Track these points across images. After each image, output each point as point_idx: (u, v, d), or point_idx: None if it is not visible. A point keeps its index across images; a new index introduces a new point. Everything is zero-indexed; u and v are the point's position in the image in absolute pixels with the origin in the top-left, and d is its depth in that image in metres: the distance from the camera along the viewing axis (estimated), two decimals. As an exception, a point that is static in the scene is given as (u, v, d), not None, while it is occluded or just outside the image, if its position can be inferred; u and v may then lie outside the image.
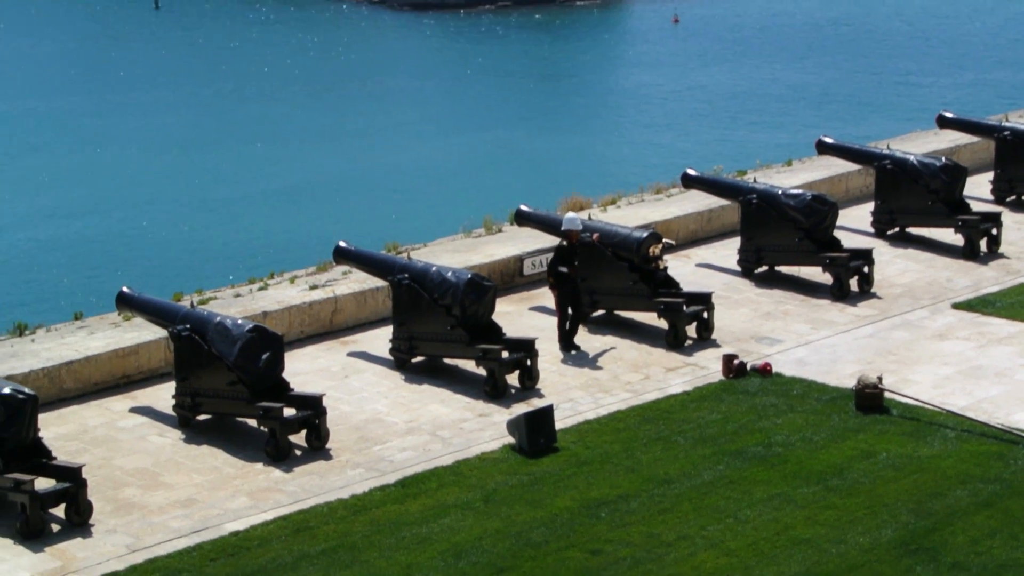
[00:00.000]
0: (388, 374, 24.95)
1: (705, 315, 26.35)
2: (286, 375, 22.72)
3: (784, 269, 29.77)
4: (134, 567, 18.58)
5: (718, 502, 20.03)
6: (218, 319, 22.74)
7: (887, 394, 23.15)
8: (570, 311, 25.82)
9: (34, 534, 19.22)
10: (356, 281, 27.50)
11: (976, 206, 32.57)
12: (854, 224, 32.73)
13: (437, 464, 21.41)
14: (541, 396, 23.87)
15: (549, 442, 21.83)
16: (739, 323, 27.20)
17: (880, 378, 23.24)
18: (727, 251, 30.97)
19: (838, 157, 34.29)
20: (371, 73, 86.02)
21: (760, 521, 19.45)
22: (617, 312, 27.40)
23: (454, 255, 29.05)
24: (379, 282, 26.85)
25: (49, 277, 46.34)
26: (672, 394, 24.00)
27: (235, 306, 26.11)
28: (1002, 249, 31.37)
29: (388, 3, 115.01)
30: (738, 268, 29.94)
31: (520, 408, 22.94)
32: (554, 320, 26.15)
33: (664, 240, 27.21)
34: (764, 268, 29.81)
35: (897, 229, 32.35)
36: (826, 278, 28.89)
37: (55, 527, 19.56)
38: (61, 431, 22.42)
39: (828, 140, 34.29)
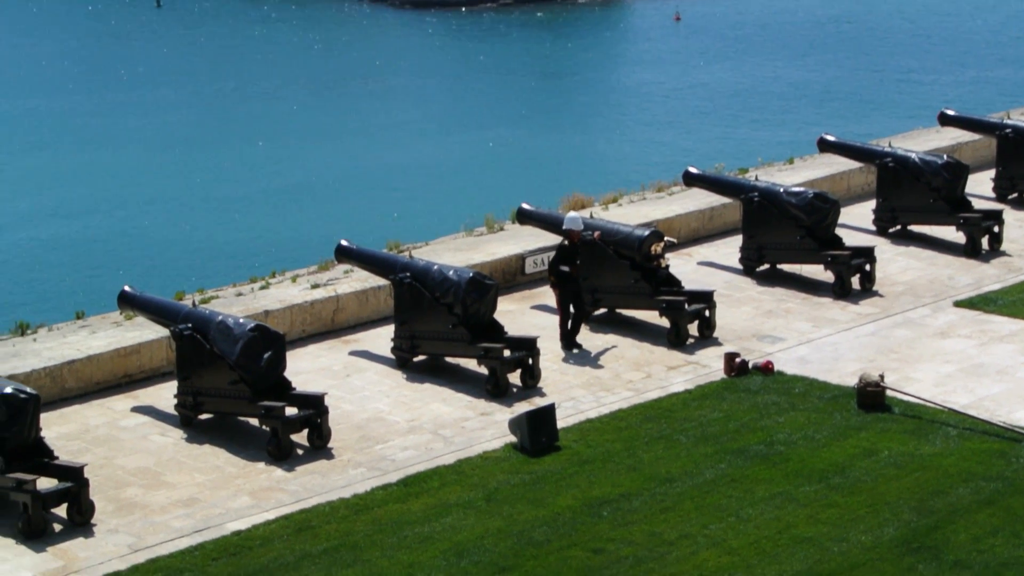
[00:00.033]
0: (390, 373, 24.95)
1: (707, 313, 26.34)
2: (288, 374, 22.72)
3: (786, 267, 29.76)
4: (136, 567, 18.58)
5: (720, 501, 20.02)
6: (220, 318, 22.74)
7: (889, 392, 23.14)
8: (572, 310, 25.81)
9: (36, 534, 19.22)
10: (358, 280, 27.50)
11: (978, 204, 32.54)
12: (856, 222, 32.73)
13: (439, 463, 21.41)
14: (543, 395, 23.87)
15: (551, 441, 21.83)
16: (741, 321, 27.20)
17: (882, 376, 23.23)
18: (729, 249, 30.96)
19: (840, 155, 34.29)
20: (373, 71, 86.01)
21: (762, 520, 19.45)
22: (619, 310, 27.40)
23: (456, 254, 29.05)
24: (381, 281, 26.85)
25: (51, 276, 46.34)
26: (674, 392, 23.99)
27: (237, 305, 26.11)
28: (1004, 247, 31.37)
29: (390, 1, 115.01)
30: (740, 266, 29.94)
31: (522, 407, 22.95)
32: (556, 319, 26.14)
33: (666, 238, 27.21)
34: (766, 266, 29.81)
35: (899, 227, 32.35)
36: (828, 276, 28.88)
37: (57, 527, 19.56)
38: (63, 430, 22.42)
39: (830, 138, 34.28)
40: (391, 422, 22.92)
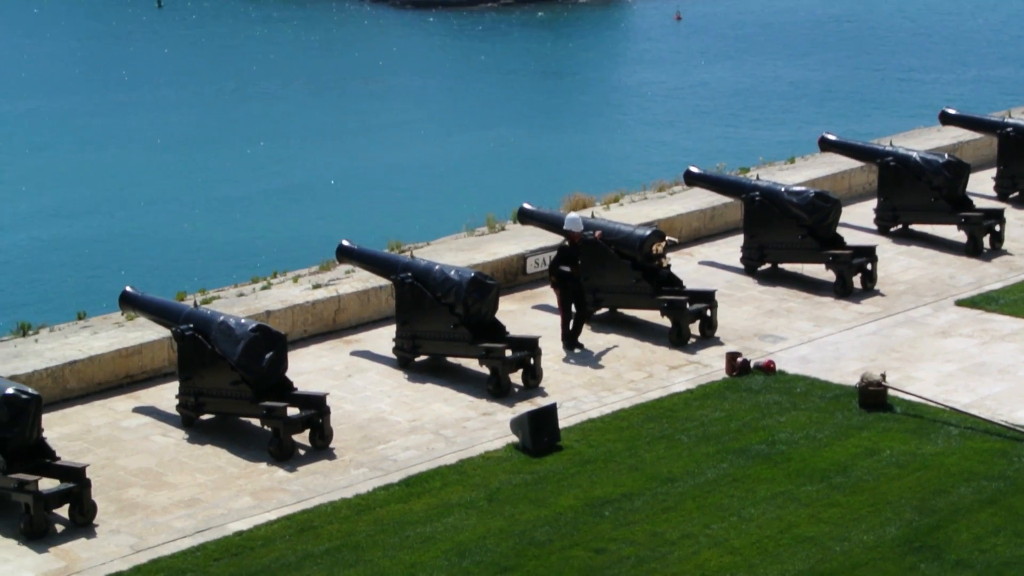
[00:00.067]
0: (391, 373, 24.96)
1: (708, 313, 26.34)
2: (289, 374, 22.72)
3: (787, 266, 29.76)
4: (138, 567, 18.58)
5: (722, 500, 20.02)
6: (221, 318, 22.74)
7: (891, 391, 23.14)
8: (574, 310, 25.81)
9: (38, 534, 19.23)
10: (359, 280, 27.50)
11: (979, 203, 32.54)
12: (857, 221, 32.72)
13: (441, 463, 21.41)
14: (544, 395, 23.87)
15: (552, 441, 21.83)
16: (742, 321, 27.19)
17: (884, 375, 23.23)
18: (730, 249, 30.96)
19: (841, 154, 34.29)
20: (374, 71, 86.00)
21: (764, 519, 19.45)
22: (620, 310, 27.39)
23: (457, 254, 29.05)
24: (382, 281, 26.85)
25: (52, 277, 46.33)
26: (675, 392, 23.99)
27: (238, 305, 26.12)
28: (1005, 246, 31.36)
29: (391, 1, 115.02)
30: (741, 266, 29.94)
31: (523, 407, 22.95)
32: (557, 319, 26.14)
33: (667, 238, 27.20)
34: (767, 266, 29.81)
35: (900, 226, 32.35)
36: (829, 275, 28.88)
37: (59, 527, 19.57)
38: (65, 431, 22.43)
39: (831, 137, 34.27)
40: (393, 422, 22.92)
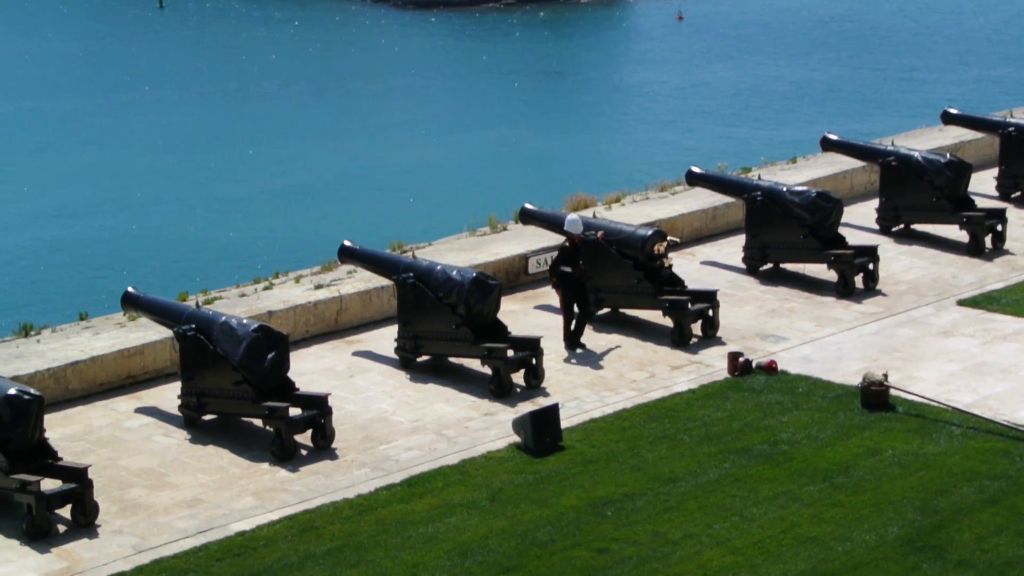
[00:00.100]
0: (393, 373, 24.96)
1: (710, 313, 26.34)
2: (291, 375, 22.72)
3: (789, 266, 29.76)
4: (140, 568, 18.58)
5: (724, 500, 20.02)
6: (223, 319, 22.74)
7: (893, 391, 23.14)
8: (576, 310, 25.81)
9: (40, 535, 19.23)
10: (361, 280, 27.51)
11: (981, 202, 32.54)
12: (859, 221, 32.72)
13: (443, 463, 21.41)
14: (546, 395, 23.87)
15: (555, 441, 21.83)
16: (744, 321, 27.19)
17: (886, 375, 23.23)
18: (732, 248, 30.96)
19: (843, 154, 34.27)
20: (375, 71, 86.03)
21: (766, 519, 19.45)
22: (622, 310, 27.39)
23: (459, 254, 29.05)
24: (384, 281, 26.85)
25: (54, 277, 46.34)
26: (677, 392, 23.99)
27: (240, 306, 26.12)
28: (1007, 245, 31.36)
29: (392, 1, 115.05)
30: (743, 265, 29.93)
31: (525, 407, 22.95)
32: (559, 319, 26.15)
33: (669, 238, 27.19)
34: (769, 265, 29.80)
35: (902, 226, 32.34)
36: (831, 275, 28.88)
37: (61, 528, 19.57)
38: (67, 431, 22.43)
39: (833, 137, 34.25)
40: (395, 422, 22.92)
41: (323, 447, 21.89)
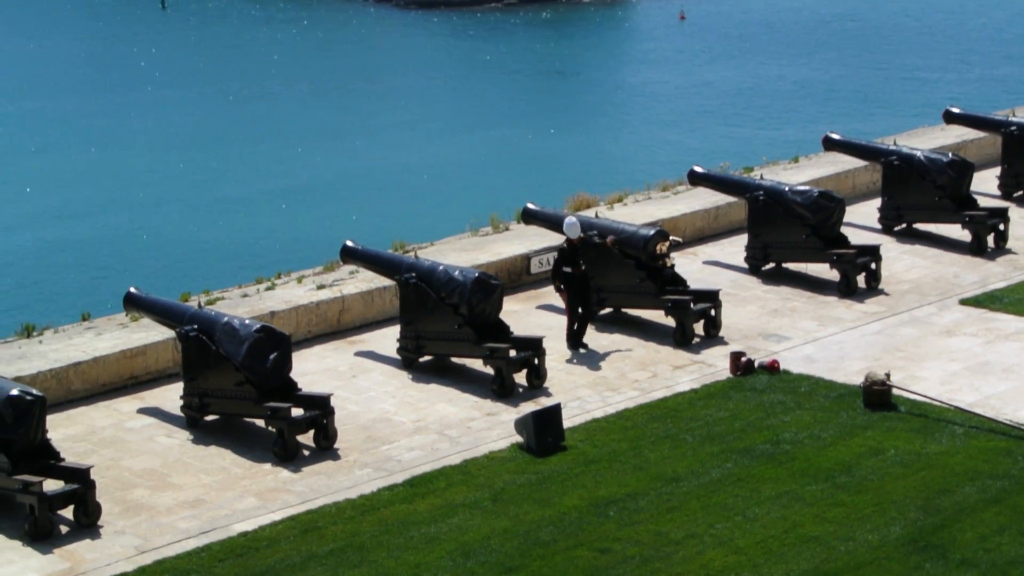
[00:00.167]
0: (395, 373, 24.96)
1: (712, 312, 26.34)
2: (294, 375, 22.72)
3: (791, 266, 29.75)
4: (143, 568, 18.59)
5: (726, 500, 20.02)
6: (225, 319, 22.74)
7: (895, 391, 23.13)
8: (579, 309, 25.81)
9: (43, 536, 19.23)
10: (363, 280, 27.51)
11: (983, 201, 32.51)
12: (861, 220, 32.70)
13: (445, 463, 21.41)
14: (549, 395, 23.87)
15: (557, 441, 21.82)
16: (746, 320, 27.19)
17: (888, 375, 23.22)
18: (734, 248, 30.95)
19: (845, 153, 34.26)
20: (378, 72, 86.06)
21: (768, 519, 19.44)
22: (624, 310, 27.39)
23: (461, 254, 29.05)
24: (386, 281, 26.85)
25: (56, 278, 46.37)
26: (680, 392, 23.99)
27: (242, 306, 26.13)
28: (1009, 244, 31.34)
29: (395, 1, 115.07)
30: (745, 265, 29.93)
31: (528, 407, 22.95)
32: (561, 319, 26.15)
33: (671, 237, 27.19)
34: (771, 265, 29.80)
35: (904, 225, 32.33)
36: (833, 275, 28.87)
37: (64, 528, 19.57)
38: (69, 432, 22.44)
39: (835, 136, 34.24)
40: (397, 423, 22.93)
41: (325, 447, 21.89)
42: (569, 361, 25.32)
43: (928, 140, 37.36)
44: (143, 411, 23.44)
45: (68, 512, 19.66)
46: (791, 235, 29.13)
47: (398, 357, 25.25)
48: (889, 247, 30.80)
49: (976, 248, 30.91)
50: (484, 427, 22.71)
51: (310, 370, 24.75)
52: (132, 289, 24.61)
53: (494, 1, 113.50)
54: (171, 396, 23.58)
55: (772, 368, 24.60)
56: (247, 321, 22.70)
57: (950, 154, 32.37)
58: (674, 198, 33.55)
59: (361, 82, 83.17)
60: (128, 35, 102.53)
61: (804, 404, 23.25)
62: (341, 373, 24.92)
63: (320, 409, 21.94)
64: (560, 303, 26.52)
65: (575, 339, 25.77)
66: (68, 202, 55.95)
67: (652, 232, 26.78)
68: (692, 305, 26.15)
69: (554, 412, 21.99)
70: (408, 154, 62.87)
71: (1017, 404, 23.06)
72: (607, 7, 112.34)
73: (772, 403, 23.30)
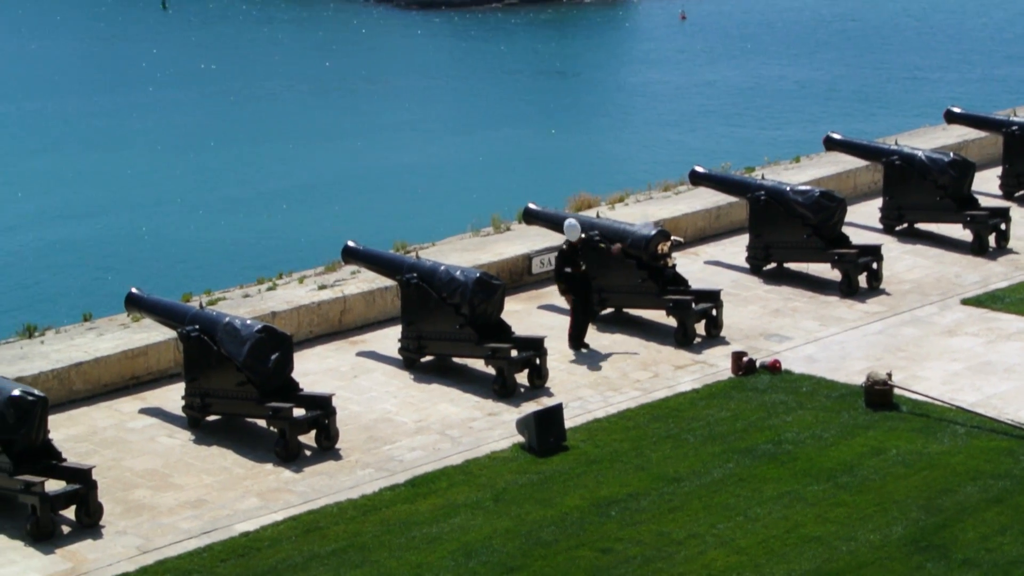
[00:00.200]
0: (397, 373, 24.96)
1: (714, 312, 26.34)
2: (295, 375, 22.72)
3: (792, 266, 29.74)
4: (144, 568, 18.60)
5: (728, 500, 20.01)
6: (227, 319, 22.75)
7: (896, 391, 23.12)
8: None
9: (44, 536, 19.24)
10: (365, 281, 27.51)
11: (984, 201, 32.51)
12: (862, 220, 32.70)
13: (447, 463, 21.42)
14: (550, 395, 23.87)
15: (559, 441, 21.82)
16: (748, 320, 27.18)
17: (889, 375, 23.22)
18: (735, 248, 30.95)
19: (846, 153, 34.25)
20: (379, 72, 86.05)
21: (770, 519, 19.44)
22: (626, 310, 27.39)
23: (463, 254, 29.05)
24: (388, 281, 26.85)
25: (58, 278, 46.38)
26: (681, 392, 23.99)
27: (244, 306, 26.13)
28: (1011, 244, 31.33)
29: (396, 1, 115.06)
30: (746, 265, 29.92)
31: (529, 407, 22.95)
32: (562, 319, 26.15)
33: (672, 237, 27.19)
34: (772, 265, 29.79)
35: (905, 225, 32.32)
36: (835, 275, 28.86)
37: (65, 529, 19.58)
38: (71, 432, 22.45)
39: (836, 136, 34.24)
40: (399, 423, 22.93)
41: (327, 447, 21.89)
42: (571, 361, 25.31)
43: (929, 140, 37.35)
44: (145, 411, 23.45)
45: (70, 512, 19.67)
46: (792, 235, 29.13)
47: (399, 357, 25.26)
48: (890, 247, 30.79)
49: (977, 248, 30.91)
50: (486, 427, 22.71)
51: (312, 370, 24.75)
52: (133, 289, 24.61)
53: (495, 1, 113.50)
54: (173, 396, 23.58)
55: (774, 368, 24.60)
56: (248, 321, 22.70)
57: (951, 154, 32.37)
58: (675, 198, 33.55)
59: (362, 82, 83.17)
60: (129, 35, 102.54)
61: (806, 404, 23.25)
62: (343, 373, 24.92)
63: (322, 409, 21.94)
64: (563, 303, 26.52)
65: (577, 339, 25.76)
66: (69, 202, 55.95)
67: (653, 232, 26.77)
68: (693, 305, 26.14)
69: (556, 412, 21.99)
70: (409, 154, 62.87)
71: (1019, 404, 23.05)
72: (608, 7, 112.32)
73: (774, 403, 23.30)
